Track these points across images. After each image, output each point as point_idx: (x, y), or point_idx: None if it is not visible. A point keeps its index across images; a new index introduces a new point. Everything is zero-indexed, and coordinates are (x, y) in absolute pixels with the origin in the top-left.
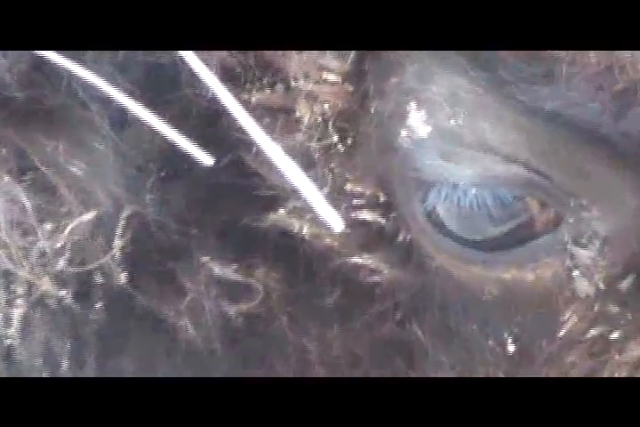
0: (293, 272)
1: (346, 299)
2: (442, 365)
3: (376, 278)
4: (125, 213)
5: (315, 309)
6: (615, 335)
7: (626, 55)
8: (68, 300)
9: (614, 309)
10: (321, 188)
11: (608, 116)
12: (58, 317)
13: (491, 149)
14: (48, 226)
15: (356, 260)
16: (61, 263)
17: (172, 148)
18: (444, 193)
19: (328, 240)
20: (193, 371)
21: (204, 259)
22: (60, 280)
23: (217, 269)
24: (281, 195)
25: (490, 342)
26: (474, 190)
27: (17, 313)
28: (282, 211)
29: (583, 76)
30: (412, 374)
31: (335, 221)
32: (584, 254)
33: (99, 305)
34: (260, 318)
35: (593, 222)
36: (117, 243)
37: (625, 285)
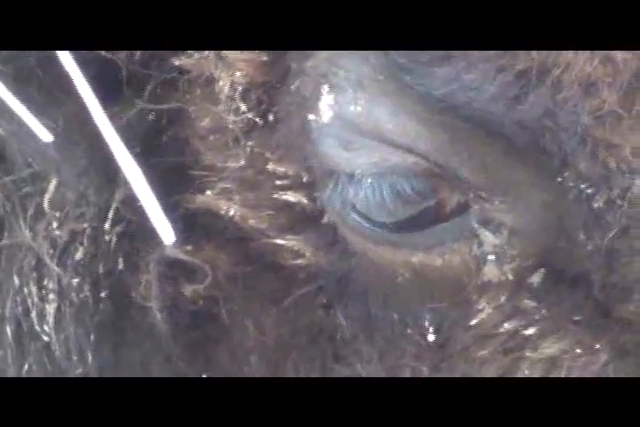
0: (226, 254)
1: (275, 282)
2: (366, 356)
3: (299, 261)
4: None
5: (248, 291)
6: (530, 331)
7: None
8: None
9: (530, 303)
10: (242, 167)
11: (503, 102)
12: None
13: (389, 140)
14: None
15: (280, 242)
16: None
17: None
18: (343, 182)
19: (253, 222)
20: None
21: None
22: None
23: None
24: (210, 175)
25: (409, 331)
26: (369, 180)
27: None
28: (209, 192)
29: (483, 56)
30: (337, 368)
31: (166, 233)
32: (491, 242)
33: None
34: (199, 298)
35: (497, 214)
36: None
37: (536, 279)
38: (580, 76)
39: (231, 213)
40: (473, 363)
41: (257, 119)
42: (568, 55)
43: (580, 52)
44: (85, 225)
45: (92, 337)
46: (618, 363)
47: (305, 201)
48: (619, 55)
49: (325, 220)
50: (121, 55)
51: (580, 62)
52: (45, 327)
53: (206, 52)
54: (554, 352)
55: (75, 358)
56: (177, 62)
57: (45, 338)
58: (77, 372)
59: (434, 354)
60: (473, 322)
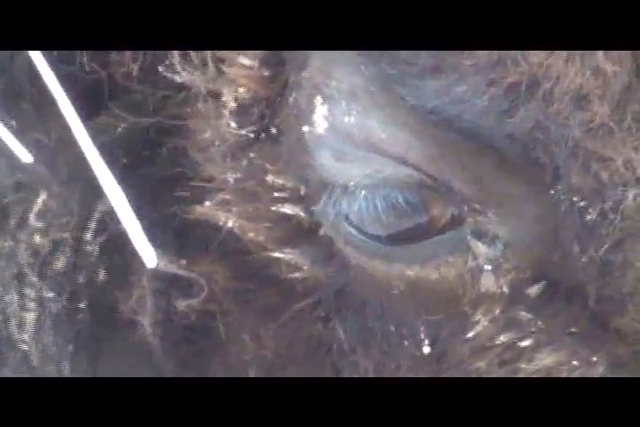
0: (223, 268)
1: (272, 296)
2: (363, 369)
3: (297, 275)
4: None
5: (244, 305)
6: (526, 343)
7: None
8: None
9: (526, 315)
10: (241, 178)
11: (493, 116)
12: None
13: (381, 150)
14: None
15: (278, 255)
16: None
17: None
18: (337, 194)
19: (252, 234)
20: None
21: None
22: None
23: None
24: (210, 186)
25: (406, 343)
26: (363, 192)
27: None
28: (207, 203)
29: (473, 69)
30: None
31: (149, 256)
32: (486, 254)
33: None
34: (194, 313)
35: (491, 226)
36: None
37: (533, 291)
38: (570, 88)
39: (229, 224)
40: (469, 375)
41: (259, 133)
42: (558, 68)
43: (570, 64)
44: (67, 235)
45: (70, 348)
46: (614, 375)
47: (302, 214)
48: (609, 67)
49: (322, 233)
50: (117, 69)
51: (571, 75)
52: (25, 336)
53: (206, 68)
54: (550, 364)
55: (52, 367)
56: (178, 79)
57: (24, 347)
58: None
59: (430, 367)
60: (469, 334)
